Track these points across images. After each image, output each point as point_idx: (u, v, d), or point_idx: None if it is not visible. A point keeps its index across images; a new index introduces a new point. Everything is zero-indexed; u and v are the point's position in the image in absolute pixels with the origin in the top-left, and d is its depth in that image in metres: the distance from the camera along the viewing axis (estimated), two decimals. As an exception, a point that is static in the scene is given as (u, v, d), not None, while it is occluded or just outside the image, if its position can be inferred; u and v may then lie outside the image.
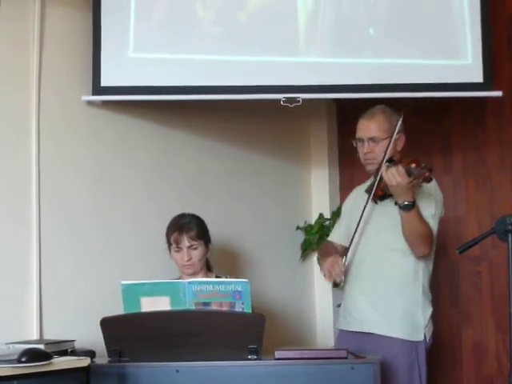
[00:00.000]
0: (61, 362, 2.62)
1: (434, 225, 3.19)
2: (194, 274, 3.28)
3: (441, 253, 4.18)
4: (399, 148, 3.28)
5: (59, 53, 3.36)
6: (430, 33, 3.60)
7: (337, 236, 3.50)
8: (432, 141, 4.24)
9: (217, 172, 3.95)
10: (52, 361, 2.58)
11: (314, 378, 2.77)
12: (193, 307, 2.84)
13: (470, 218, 4.13)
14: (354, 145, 3.33)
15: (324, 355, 2.84)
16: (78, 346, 2.95)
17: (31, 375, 2.50)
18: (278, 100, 3.48)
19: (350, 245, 3.25)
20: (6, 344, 2.76)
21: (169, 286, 2.91)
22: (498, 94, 3.61)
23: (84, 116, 3.43)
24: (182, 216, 3.35)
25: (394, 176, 2.99)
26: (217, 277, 3.30)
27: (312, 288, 4.24)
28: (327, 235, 3.74)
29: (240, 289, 2.85)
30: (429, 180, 3.00)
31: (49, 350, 2.70)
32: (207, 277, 3.29)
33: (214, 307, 2.84)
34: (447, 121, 4.20)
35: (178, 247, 3.29)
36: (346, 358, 2.82)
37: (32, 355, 2.54)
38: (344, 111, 4.40)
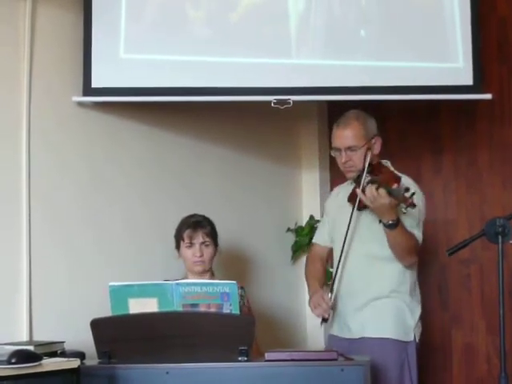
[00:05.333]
0: (50, 364, 2.60)
1: (418, 234, 3.19)
2: (202, 273, 3.28)
3: (431, 255, 4.20)
4: (376, 152, 3.25)
5: (50, 54, 3.35)
6: (421, 35, 3.61)
7: (322, 238, 3.48)
8: (422, 143, 4.24)
9: (208, 174, 3.94)
10: (42, 362, 2.57)
11: (304, 380, 2.76)
12: (180, 309, 2.83)
13: (461, 219, 4.13)
14: (332, 154, 3.32)
15: (314, 357, 2.83)
16: (67, 347, 2.94)
17: (21, 376, 2.49)
18: (269, 102, 3.49)
19: (334, 277, 3.23)
20: (-4, 345, 2.76)
21: (157, 287, 2.89)
22: (488, 96, 3.62)
23: (75, 117, 3.42)
24: (194, 215, 3.38)
25: (376, 199, 2.97)
26: None
27: (302, 289, 4.21)
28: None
29: (228, 290, 2.84)
30: (414, 206, 2.94)
31: (38, 352, 2.69)
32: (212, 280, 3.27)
33: (201, 309, 2.83)
34: (437, 123, 4.21)
35: (190, 243, 3.30)
36: (336, 359, 2.81)
37: (21, 356, 2.53)
38: (335, 113, 4.39)
